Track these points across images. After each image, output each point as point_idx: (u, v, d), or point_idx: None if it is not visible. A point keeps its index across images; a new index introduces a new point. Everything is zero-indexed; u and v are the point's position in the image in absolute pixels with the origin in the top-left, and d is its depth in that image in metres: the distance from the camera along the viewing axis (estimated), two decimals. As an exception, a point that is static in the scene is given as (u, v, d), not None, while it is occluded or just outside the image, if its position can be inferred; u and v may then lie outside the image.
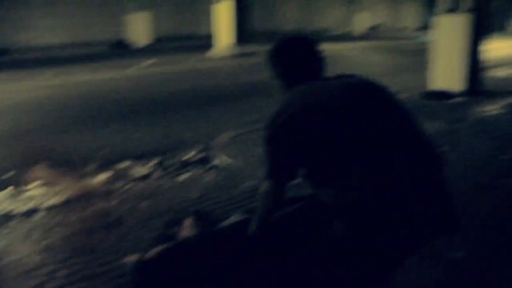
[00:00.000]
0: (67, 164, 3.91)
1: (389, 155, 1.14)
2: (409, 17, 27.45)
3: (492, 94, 6.22)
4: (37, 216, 2.82)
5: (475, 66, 6.11)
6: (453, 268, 2.12)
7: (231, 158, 3.80)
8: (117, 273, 2.11)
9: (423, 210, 1.13)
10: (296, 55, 1.35)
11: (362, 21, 22.93)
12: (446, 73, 6.15)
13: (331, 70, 1.45)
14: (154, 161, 3.86)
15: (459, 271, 2.11)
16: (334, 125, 1.16)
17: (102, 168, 3.78)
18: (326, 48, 1.64)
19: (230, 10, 12.28)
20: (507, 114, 5.26)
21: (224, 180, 3.37)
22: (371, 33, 22.58)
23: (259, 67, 5.45)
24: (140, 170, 3.68)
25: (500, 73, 8.40)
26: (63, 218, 2.78)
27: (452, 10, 6.20)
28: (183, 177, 3.51)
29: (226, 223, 1.68)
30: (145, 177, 3.53)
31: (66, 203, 3.00)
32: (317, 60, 1.38)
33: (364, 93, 1.24)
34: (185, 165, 3.79)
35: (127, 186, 3.32)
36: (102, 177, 3.54)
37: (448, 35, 6.07)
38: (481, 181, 3.23)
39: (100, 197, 3.12)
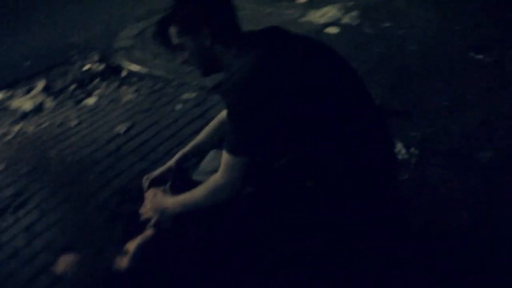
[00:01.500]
0: None
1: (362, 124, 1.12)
2: None
3: None
4: None
5: None
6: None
7: (146, 65, 2.87)
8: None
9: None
10: (223, 6, 1.14)
11: None
12: None
13: None
14: (40, 84, 2.82)
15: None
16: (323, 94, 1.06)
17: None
18: None
19: None
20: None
21: (148, 99, 2.51)
22: None
23: None
24: (24, 102, 2.65)
25: None
26: None
27: None
28: (91, 101, 2.59)
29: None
30: (35, 111, 2.55)
31: None
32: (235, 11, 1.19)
33: (333, 63, 1.15)
34: (85, 83, 2.81)
35: (13, 130, 2.35)
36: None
37: None
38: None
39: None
